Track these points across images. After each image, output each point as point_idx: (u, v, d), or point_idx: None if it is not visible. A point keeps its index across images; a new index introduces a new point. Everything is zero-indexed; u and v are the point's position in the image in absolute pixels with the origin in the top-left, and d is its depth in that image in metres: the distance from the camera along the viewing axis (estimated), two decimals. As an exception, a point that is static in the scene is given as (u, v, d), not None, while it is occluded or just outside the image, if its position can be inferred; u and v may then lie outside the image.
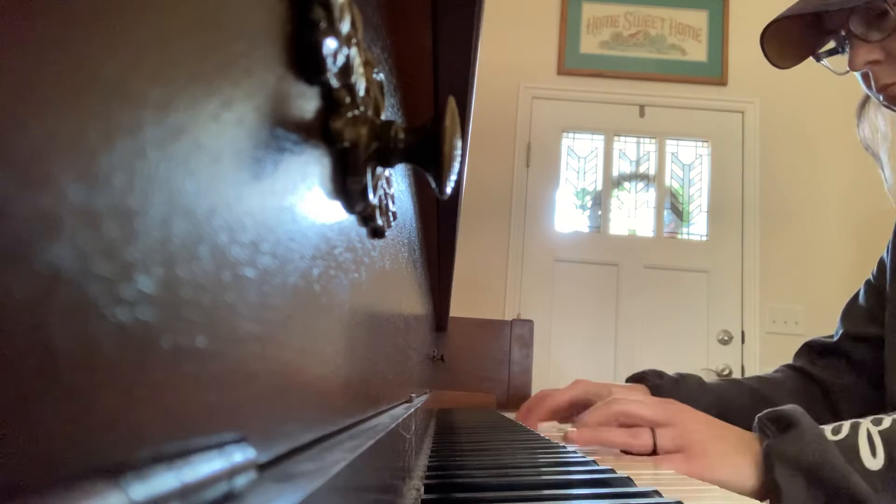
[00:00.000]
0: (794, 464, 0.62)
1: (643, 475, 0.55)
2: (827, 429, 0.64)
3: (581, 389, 1.03)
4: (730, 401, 1.03)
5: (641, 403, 0.72)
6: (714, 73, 2.95)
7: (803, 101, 2.90)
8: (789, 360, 1.12)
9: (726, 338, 2.78)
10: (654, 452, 0.69)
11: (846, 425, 0.64)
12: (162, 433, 0.10)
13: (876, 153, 0.95)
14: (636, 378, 1.10)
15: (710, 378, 1.11)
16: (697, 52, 2.98)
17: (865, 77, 0.86)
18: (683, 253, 2.87)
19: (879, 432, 0.62)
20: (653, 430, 0.68)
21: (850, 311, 1.04)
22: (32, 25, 0.07)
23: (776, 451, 0.63)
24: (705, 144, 2.96)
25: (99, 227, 0.08)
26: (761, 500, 0.64)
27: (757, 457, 0.65)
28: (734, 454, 0.66)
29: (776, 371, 1.11)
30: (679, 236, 2.92)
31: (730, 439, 0.67)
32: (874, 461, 0.60)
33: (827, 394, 1.02)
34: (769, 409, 0.67)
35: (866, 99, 0.94)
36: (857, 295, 1.05)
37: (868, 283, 1.03)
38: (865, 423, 0.63)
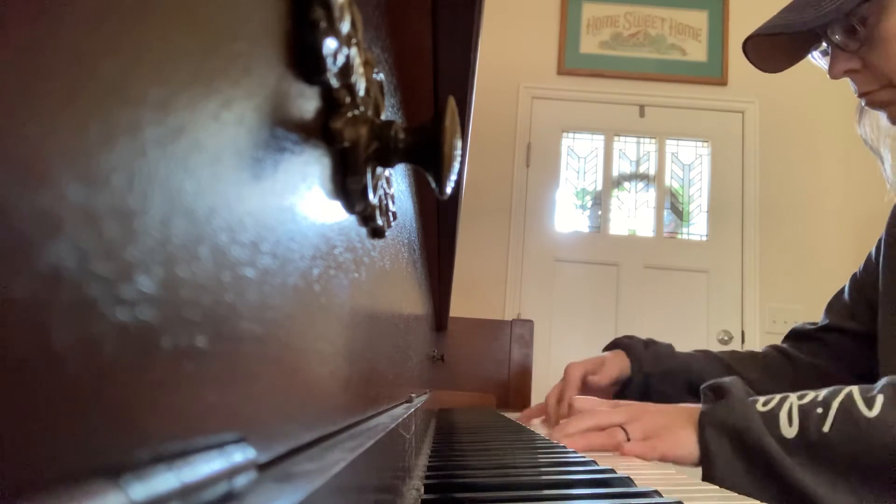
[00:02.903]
0: (721, 427, 0.71)
1: (642, 475, 0.55)
2: (760, 399, 0.72)
3: (578, 373, 1.16)
4: (695, 369, 1.13)
5: (607, 412, 0.83)
6: (714, 73, 2.95)
7: (803, 101, 2.90)
8: None
9: (726, 338, 2.78)
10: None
11: (776, 398, 0.72)
12: (162, 433, 0.10)
13: (877, 150, 0.95)
14: (612, 346, 1.23)
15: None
16: (697, 52, 2.98)
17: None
18: (683, 253, 2.87)
19: (800, 406, 0.69)
20: (623, 428, 0.79)
21: (834, 305, 1.08)
22: (32, 25, 0.07)
23: (708, 416, 0.73)
24: (705, 144, 2.96)
25: (99, 227, 0.08)
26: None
27: (696, 424, 0.74)
28: (683, 427, 0.75)
29: (761, 350, 1.16)
30: (679, 236, 2.92)
31: (681, 416, 0.77)
32: (790, 430, 0.68)
33: (796, 370, 1.08)
34: (711, 381, 0.77)
35: None
36: (843, 289, 1.07)
37: (853, 278, 1.05)
38: (792, 397, 0.71)
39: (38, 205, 0.07)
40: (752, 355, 1.14)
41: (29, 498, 0.07)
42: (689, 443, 0.74)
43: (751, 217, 2.85)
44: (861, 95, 0.85)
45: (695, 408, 0.77)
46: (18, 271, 0.07)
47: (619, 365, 1.17)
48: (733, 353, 1.16)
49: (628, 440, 0.77)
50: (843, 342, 1.04)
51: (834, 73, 0.85)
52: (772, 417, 0.69)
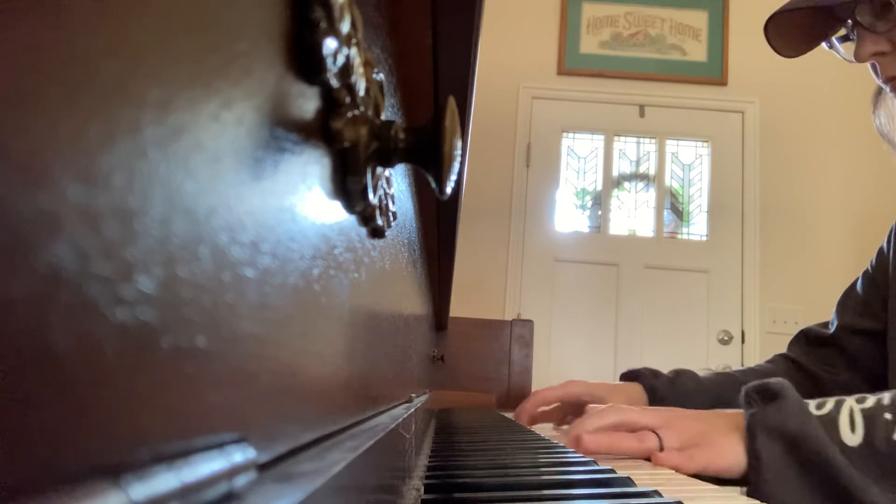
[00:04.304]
0: (775, 433, 0.63)
1: (642, 475, 0.55)
2: (812, 403, 0.66)
3: (575, 390, 1.04)
4: (725, 398, 1.02)
5: (638, 412, 0.74)
6: (714, 73, 2.95)
7: (803, 101, 2.90)
8: None
9: (726, 338, 2.78)
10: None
11: (831, 401, 0.65)
12: (162, 433, 0.10)
13: (892, 141, 0.93)
14: (630, 375, 1.09)
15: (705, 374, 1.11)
16: (697, 52, 2.98)
17: (874, 67, 0.84)
18: (683, 253, 2.87)
19: (861, 410, 0.63)
20: (656, 433, 0.70)
21: (847, 303, 1.03)
22: (32, 25, 0.07)
23: (759, 420, 0.65)
24: (705, 144, 2.96)
25: (99, 227, 0.08)
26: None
27: (743, 431, 0.66)
28: (730, 433, 0.67)
29: (769, 361, 1.10)
30: (679, 236, 2.92)
31: (723, 422, 0.69)
32: (853, 437, 0.61)
33: (821, 390, 1.00)
34: (756, 382, 0.69)
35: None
36: (853, 285, 1.03)
37: (866, 273, 1.02)
38: (849, 401, 0.65)
39: (38, 205, 0.07)
40: (772, 374, 1.04)
41: (29, 498, 0.07)
42: (734, 452, 0.66)
43: (751, 217, 2.85)
44: (887, 81, 0.83)
45: (737, 413, 0.70)
46: (18, 271, 0.07)
47: (628, 399, 1.02)
48: (754, 372, 1.07)
49: (661, 448, 0.69)
50: (859, 344, 0.99)
51: (861, 56, 0.82)
52: (830, 422, 0.63)
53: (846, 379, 1.00)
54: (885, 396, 0.64)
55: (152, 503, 0.09)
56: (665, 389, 1.04)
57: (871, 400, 0.64)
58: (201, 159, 0.12)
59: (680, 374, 1.07)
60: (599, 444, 0.69)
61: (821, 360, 1.03)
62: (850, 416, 0.63)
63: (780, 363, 1.08)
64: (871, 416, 0.62)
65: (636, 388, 1.05)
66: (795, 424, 0.63)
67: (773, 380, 0.68)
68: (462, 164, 0.53)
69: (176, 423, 0.11)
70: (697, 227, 2.92)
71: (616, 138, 2.97)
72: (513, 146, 2.90)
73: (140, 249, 0.09)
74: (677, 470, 0.64)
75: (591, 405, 0.97)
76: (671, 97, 2.95)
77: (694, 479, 0.56)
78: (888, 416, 0.62)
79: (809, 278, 2.77)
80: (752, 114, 2.92)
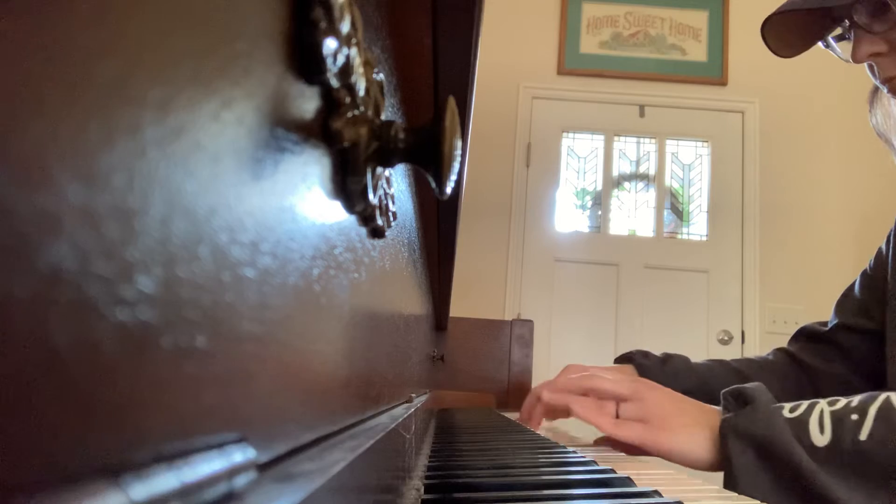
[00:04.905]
0: (745, 437, 0.66)
1: (643, 475, 0.55)
2: (786, 406, 0.68)
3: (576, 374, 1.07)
4: (713, 382, 1.05)
5: (610, 380, 0.74)
6: (714, 73, 2.95)
7: (803, 101, 2.90)
8: None
9: (726, 338, 2.78)
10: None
11: (804, 404, 0.67)
12: (162, 433, 0.10)
13: (889, 140, 0.93)
14: (624, 359, 1.14)
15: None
16: (697, 52, 2.98)
17: (871, 67, 0.84)
18: (683, 253, 2.87)
19: (831, 412, 0.65)
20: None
21: (845, 303, 1.04)
22: (32, 25, 0.07)
23: (730, 425, 0.67)
24: (705, 144, 2.96)
25: (99, 227, 0.08)
26: (717, 471, 0.68)
27: (715, 430, 0.68)
28: (693, 426, 0.69)
29: (769, 354, 1.12)
30: (679, 236, 2.92)
31: (691, 413, 0.71)
32: (821, 438, 0.63)
33: (814, 380, 1.03)
34: (733, 386, 0.71)
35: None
36: (852, 286, 1.04)
37: (864, 274, 1.03)
38: (822, 403, 0.67)
39: (38, 205, 0.07)
40: (767, 365, 1.08)
41: (29, 498, 0.07)
42: (700, 445, 0.68)
43: (751, 217, 2.85)
44: (884, 82, 0.83)
45: (712, 409, 0.71)
46: (18, 271, 0.07)
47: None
48: (748, 361, 1.11)
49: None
50: (855, 342, 1.00)
51: (858, 56, 0.82)
52: (800, 424, 0.65)
53: (840, 371, 1.01)
54: (855, 399, 0.66)
55: (152, 503, 0.09)
56: (654, 368, 1.08)
57: (841, 402, 0.66)
58: (201, 159, 0.12)
59: (671, 357, 1.11)
60: (556, 401, 0.70)
61: (816, 353, 1.05)
62: (819, 418, 0.65)
63: (778, 356, 1.10)
64: (839, 418, 0.64)
65: (629, 370, 1.09)
66: (763, 428, 0.65)
67: (749, 385, 0.70)
68: (462, 164, 0.53)
69: (176, 423, 0.11)
70: (697, 227, 2.92)
71: (616, 138, 2.97)
72: (513, 146, 2.90)
73: (140, 249, 0.09)
74: (627, 441, 0.65)
75: (570, 365, 1.02)
76: (671, 97, 2.95)
77: (694, 480, 0.56)
78: (855, 416, 0.63)
79: (809, 278, 2.77)
80: (751, 114, 2.92)
